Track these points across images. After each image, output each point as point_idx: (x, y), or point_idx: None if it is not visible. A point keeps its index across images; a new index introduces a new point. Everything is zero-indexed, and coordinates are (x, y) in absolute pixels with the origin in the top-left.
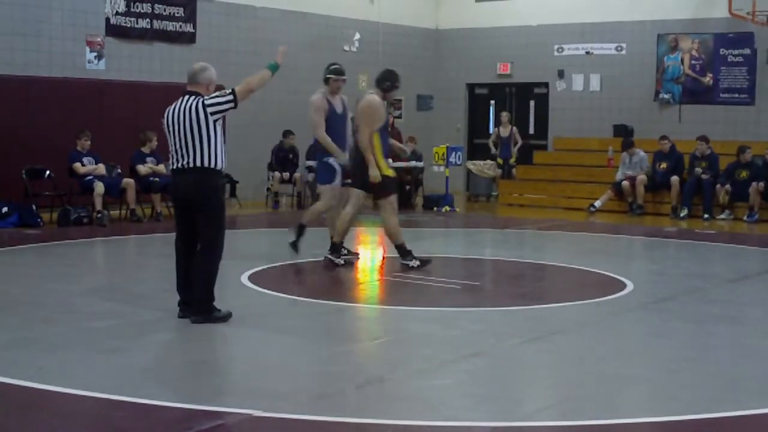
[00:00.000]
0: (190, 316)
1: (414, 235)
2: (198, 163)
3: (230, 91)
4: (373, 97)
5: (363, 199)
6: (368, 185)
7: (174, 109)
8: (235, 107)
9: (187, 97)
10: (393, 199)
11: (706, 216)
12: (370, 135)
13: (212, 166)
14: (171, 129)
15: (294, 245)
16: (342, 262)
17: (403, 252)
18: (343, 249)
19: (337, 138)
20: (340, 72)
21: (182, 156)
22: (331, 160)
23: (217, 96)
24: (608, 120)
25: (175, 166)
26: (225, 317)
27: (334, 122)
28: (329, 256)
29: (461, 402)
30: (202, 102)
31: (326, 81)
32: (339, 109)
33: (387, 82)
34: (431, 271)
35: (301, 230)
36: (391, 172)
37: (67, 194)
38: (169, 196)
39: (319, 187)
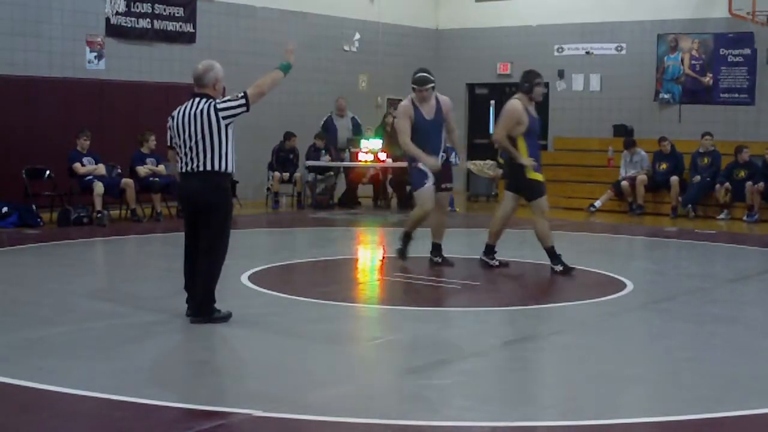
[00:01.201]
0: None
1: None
2: (208, 167)
3: (242, 94)
4: (511, 103)
5: (514, 201)
6: (521, 187)
7: (183, 111)
8: (247, 111)
9: (197, 99)
10: (542, 201)
11: (688, 206)
12: (503, 136)
13: (222, 169)
14: (180, 132)
15: (401, 252)
16: (497, 263)
17: (552, 255)
18: (495, 253)
19: (426, 143)
20: (421, 82)
21: (192, 159)
22: (421, 165)
23: (229, 100)
24: (608, 120)
25: (184, 170)
26: (225, 317)
27: (421, 128)
28: (483, 258)
29: (461, 402)
30: (215, 106)
31: (413, 89)
32: (429, 115)
33: (526, 83)
34: (432, 271)
35: (407, 239)
36: (539, 176)
37: (67, 194)
38: (170, 196)
39: (414, 193)
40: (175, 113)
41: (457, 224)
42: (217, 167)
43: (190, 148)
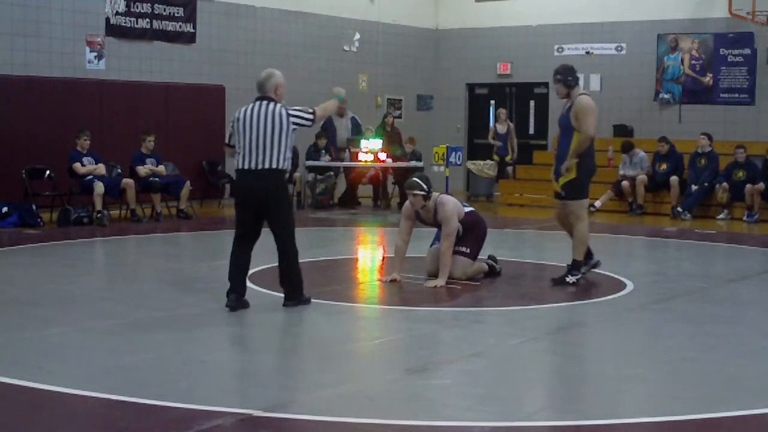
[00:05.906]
0: (238, 308)
1: (414, 234)
2: (273, 165)
3: (312, 111)
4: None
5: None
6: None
7: (251, 111)
8: (311, 126)
9: (264, 102)
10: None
11: (686, 212)
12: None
13: (281, 167)
14: (246, 130)
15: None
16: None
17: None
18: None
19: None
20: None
21: (256, 156)
22: None
23: (300, 110)
24: (608, 120)
25: (246, 167)
26: (309, 300)
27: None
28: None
29: (461, 402)
30: (287, 110)
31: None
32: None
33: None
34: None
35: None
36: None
37: (67, 194)
38: (170, 196)
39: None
40: (239, 113)
41: None
42: (278, 165)
43: (256, 146)
